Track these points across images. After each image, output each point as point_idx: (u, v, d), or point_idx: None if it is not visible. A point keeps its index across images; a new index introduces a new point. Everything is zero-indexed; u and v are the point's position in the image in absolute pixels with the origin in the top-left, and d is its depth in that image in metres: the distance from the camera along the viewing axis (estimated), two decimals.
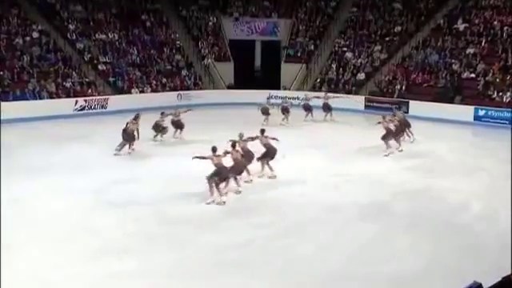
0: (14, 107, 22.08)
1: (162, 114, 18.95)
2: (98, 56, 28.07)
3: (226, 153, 12.51)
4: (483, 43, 27.23)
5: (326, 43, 32.47)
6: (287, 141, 18.52)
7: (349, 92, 28.72)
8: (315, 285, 8.37)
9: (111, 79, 27.54)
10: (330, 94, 24.60)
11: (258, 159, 14.02)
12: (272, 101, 22.79)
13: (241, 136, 13.70)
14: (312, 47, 32.46)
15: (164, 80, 29.10)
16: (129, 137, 16.42)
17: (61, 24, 28.47)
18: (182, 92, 28.67)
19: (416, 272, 8.70)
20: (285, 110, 22.42)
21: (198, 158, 12.15)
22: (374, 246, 9.81)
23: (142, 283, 8.24)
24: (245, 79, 31.07)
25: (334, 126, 22.44)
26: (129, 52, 29.43)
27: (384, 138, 16.91)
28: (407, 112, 23.78)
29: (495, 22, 27.81)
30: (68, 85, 25.50)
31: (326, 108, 23.78)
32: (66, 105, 24.25)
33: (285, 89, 30.91)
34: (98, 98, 25.61)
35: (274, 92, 29.93)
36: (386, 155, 16.63)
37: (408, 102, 25.70)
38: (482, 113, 23.93)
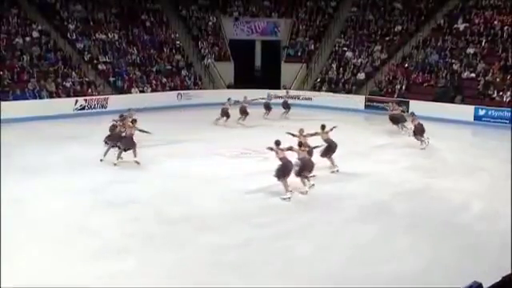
0: (14, 107, 22.07)
1: None
2: (97, 56, 28.06)
3: (289, 149, 12.70)
4: (483, 43, 27.25)
5: (326, 43, 32.46)
6: (288, 141, 18.57)
7: (349, 92, 28.72)
8: (315, 285, 8.34)
9: (111, 79, 27.53)
10: (291, 93, 24.68)
11: (322, 155, 14.32)
12: (233, 100, 22.63)
13: (301, 132, 13.79)
14: (312, 47, 32.46)
15: (164, 80, 29.09)
16: (129, 143, 14.98)
17: (61, 24, 28.47)
18: (181, 92, 28.68)
19: (416, 272, 8.67)
20: (243, 111, 22.22)
21: (269, 148, 12.63)
22: (374, 246, 9.79)
23: (142, 283, 8.20)
24: (245, 79, 31.06)
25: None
26: (129, 52, 29.43)
27: (414, 134, 17.66)
28: (407, 111, 23.75)
29: (495, 22, 27.82)
30: (68, 84, 25.49)
31: (285, 106, 24.38)
32: (65, 104, 24.23)
33: (285, 88, 30.87)
34: (98, 97, 25.59)
35: (274, 92, 29.97)
36: (422, 148, 17.40)
37: (408, 102, 25.69)
38: (482, 112, 23.93)
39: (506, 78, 25.06)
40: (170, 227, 10.48)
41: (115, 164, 14.70)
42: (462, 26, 28.67)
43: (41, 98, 24.16)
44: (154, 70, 29.38)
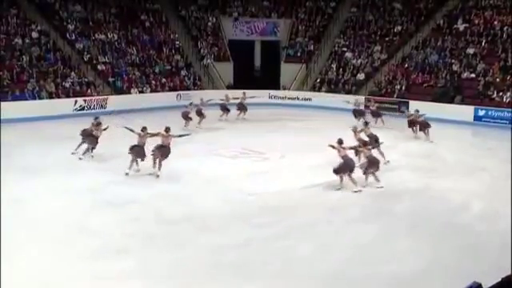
0: (14, 107, 22.04)
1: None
2: (97, 56, 28.05)
3: (351, 148, 13.42)
4: (483, 43, 27.27)
5: (325, 43, 32.47)
6: (287, 141, 18.60)
7: (349, 92, 28.73)
8: (315, 285, 8.36)
9: (110, 79, 27.52)
10: (247, 94, 24.52)
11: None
12: (194, 103, 22.53)
13: (355, 129, 14.44)
14: (312, 47, 32.47)
15: (163, 80, 29.09)
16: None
17: (60, 24, 28.45)
18: (181, 92, 28.66)
19: (416, 272, 8.68)
20: (199, 113, 21.87)
21: (332, 147, 13.18)
22: (374, 246, 9.80)
23: (141, 283, 8.22)
24: (244, 79, 31.02)
25: (335, 127, 22.38)
26: (128, 52, 29.42)
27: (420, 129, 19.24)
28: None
29: (495, 22, 27.85)
30: (67, 85, 25.47)
31: (242, 107, 23.92)
32: (65, 105, 24.22)
33: (284, 89, 30.93)
34: (98, 98, 25.59)
35: (273, 92, 30.02)
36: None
37: (408, 102, 25.70)
38: (482, 113, 23.96)
39: (505, 78, 25.08)
40: (169, 227, 10.48)
41: (127, 174, 13.76)
42: (461, 27, 28.69)
43: (40, 98, 24.14)
44: (154, 70, 29.39)
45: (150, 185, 13.16)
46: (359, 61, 30.48)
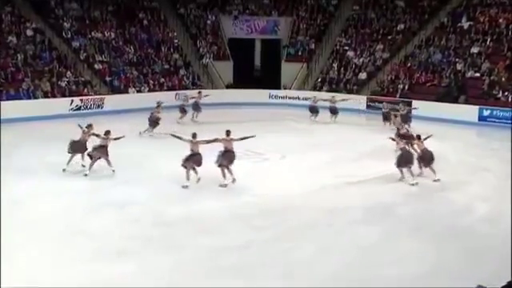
0: (8, 107, 22.02)
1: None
2: (94, 55, 28.07)
3: (408, 141, 14.20)
4: (488, 42, 27.25)
5: (327, 42, 32.49)
6: (288, 142, 18.62)
7: (350, 92, 28.74)
8: None
9: (107, 78, 27.53)
10: (203, 94, 24.12)
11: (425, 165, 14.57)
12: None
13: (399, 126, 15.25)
14: (313, 46, 32.48)
15: (162, 79, 29.10)
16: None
17: (56, 22, 28.49)
18: (179, 92, 28.61)
19: (419, 276, 8.70)
20: (182, 110, 22.05)
21: (392, 139, 14.24)
22: (377, 248, 9.82)
23: (141, 286, 8.23)
24: (244, 79, 31.10)
25: (336, 127, 22.43)
26: (125, 51, 29.43)
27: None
28: (410, 112, 23.81)
29: (500, 20, 27.84)
30: (63, 84, 25.49)
31: (196, 107, 23.18)
32: (61, 104, 24.22)
33: (285, 88, 30.94)
34: (94, 97, 25.60)
35: (274, 92, 30.04)
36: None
37: (411, 102, 25.68)
38: (486, 113, 23.97)
39: (511, 77, 25.09)
40: (168, 229, 10.51)
41: (185, 186, 13.14)
42: (466, 25, 28.70)
43: (35, 97, 24.15)
44: (152, 69, 29.40)
45: (148, 186, 13.16)
46: (361, 60, 30.49)
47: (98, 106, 25.33)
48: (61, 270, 8.60)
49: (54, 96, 24.82)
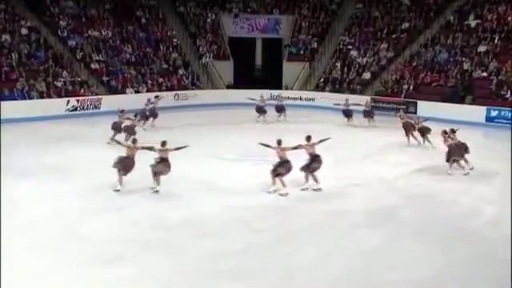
0: (2, 107, 22.02)
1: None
2: (90, 54, 28.12)
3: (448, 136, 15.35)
4: (496, 40, 27.26)
5: (329, 41, 32.54)
6: (289, 143, 18.58)
7: (354, 92, 28.74)
8: None
9: (105, 78, 27.58)
10: (161, 95, 24.14)
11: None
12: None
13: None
14: (315, 45, 32.54)
15: (160, 79, 29.14)
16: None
17: (51, 20, 28.55)
18: (179, 92, 28.72)
19: (424, 281, 8.69)
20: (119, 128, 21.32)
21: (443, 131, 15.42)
22: (379, 253, 9.80)
23: None
24: (245, 79, 31.14)
25: (339, 128, 22.41)
26: (123, 50, 29.50)
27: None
28: (415, 113, 23.82)
29: (509, 18, 27.86)
30: (59, 84, 25.54)
31: (152, 113, 22.16)
32: (57, 105, 24.30)
33: (287, 89, 30.96)
34: (91, 98, 25.66)
35: (275, 92, 30.02)
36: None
37: (416, 103, 25.73)
38: (494, 113, 23.96)
39: None
40: (166, 233, 10.51)
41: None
42: (473, 23, 28.70)
43: (30, 98, 24.21)
44: (150, 69, 29.42)
45: (146, 189, 13.14)
46: (365, 59, 30.52)
47: (95, 107, 25.38)
48: (57, 275, 8.60)
49: (49, 96, 24.88)
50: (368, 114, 23.14)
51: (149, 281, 8.53)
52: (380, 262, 9.38)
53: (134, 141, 13.75)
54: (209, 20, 33.42)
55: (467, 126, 22.71)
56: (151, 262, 9.17)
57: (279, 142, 13.40)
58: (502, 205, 12.30)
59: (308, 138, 13.75)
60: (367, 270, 9.08)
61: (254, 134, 19.94)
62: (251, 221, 11.24)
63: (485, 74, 26.19)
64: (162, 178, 13.02)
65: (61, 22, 28.62)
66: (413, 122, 19.26)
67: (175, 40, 31.85)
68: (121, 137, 17.29)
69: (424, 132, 18.55)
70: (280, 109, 24.17)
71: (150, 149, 13.20)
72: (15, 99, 23.63)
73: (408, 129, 19.07)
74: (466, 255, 9.68)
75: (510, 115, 23.56)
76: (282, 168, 13.06)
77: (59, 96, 25.09)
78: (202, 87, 30.38)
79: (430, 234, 10.66)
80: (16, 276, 8.44)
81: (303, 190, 13.23)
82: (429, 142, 18.37)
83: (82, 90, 25.97)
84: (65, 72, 26.24)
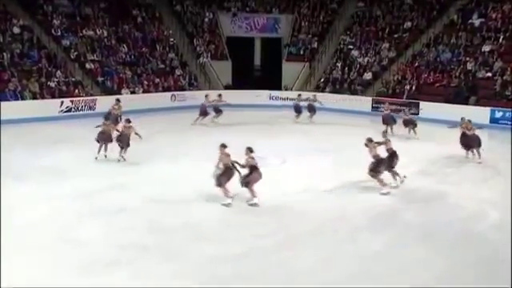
0: None
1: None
2: (85, 54, 28.15)
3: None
4: (501, 39, 27.33)
5: (330, 40, 32.59)
6: (289, 145, 18.65)
7: (355, 92, 28.79)
8: None
9: (100, 79, 27.60)
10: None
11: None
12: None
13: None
14: (315, 45, 32.61)
15: (157, 80, 29.16)
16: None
17: (44, 19, 28.57)
18: (176, 93, 28.75)
19: (427, 285, 8.70)
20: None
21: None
22: (382, 257, 9.83)
23: None
24: (243, 79, 31.18)
25: (341, 130, 22.46)
26: (119, 50, 29.53)
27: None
28: (417, 114, 23.87)
29: None
30: (53, 85, 25.55)
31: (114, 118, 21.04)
32: (50, 106, 24.32)
33: (286, 89, 31.01)
34: (86, 98, 25.67)
35: (274, 93, 30.10)
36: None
37: (418, 104, 25.76)
38: (499, 115, 24.01)
39: None
40: (163, 236, 10.52)
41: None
42: (477, 22, 28.78)
43: (23, 98, 24.22)
44: (146, 69, 29.45)
45: (143, 191, 13.17)
46: (366, 59, 30.58)
47: (90, 108, 25.39)
48: (51, 280, 8.59)
49: (42, 97, 24.88)
50: (407, 122, 21.50)
51: (146, 286, 8.54)
52: (382, 266, 9.41)
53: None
54: (206, 19, 33.48)
55: None
56: (148, 266, 9.18)
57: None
58: (506, 208, 12.34)
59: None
60: (370, 274, 9.10)
61: (255, 135, 20.05)
62: (251, 225, 11.27)
63: (489, 74, 26.25)
64: (161, 180, 13.02)
65: (54, 20, 28.64)
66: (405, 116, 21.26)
67: (172, 39, 31.90)
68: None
69: (408, 123, 20.59)
70: (311, 109, 24.48)
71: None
72: (7, 100, 23.56)
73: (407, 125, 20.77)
74: (469, 259, 9.72)
75: None
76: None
77: (53, 97, 25.10)
78: (200, 88, 30.37)
79: (433, 238, 10.69)
80: (10, 280, 8.44)
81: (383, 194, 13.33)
82: (414, 133, 20.46)
83: (77, 91, 25.98)
84: (58, 72, 26.25)
